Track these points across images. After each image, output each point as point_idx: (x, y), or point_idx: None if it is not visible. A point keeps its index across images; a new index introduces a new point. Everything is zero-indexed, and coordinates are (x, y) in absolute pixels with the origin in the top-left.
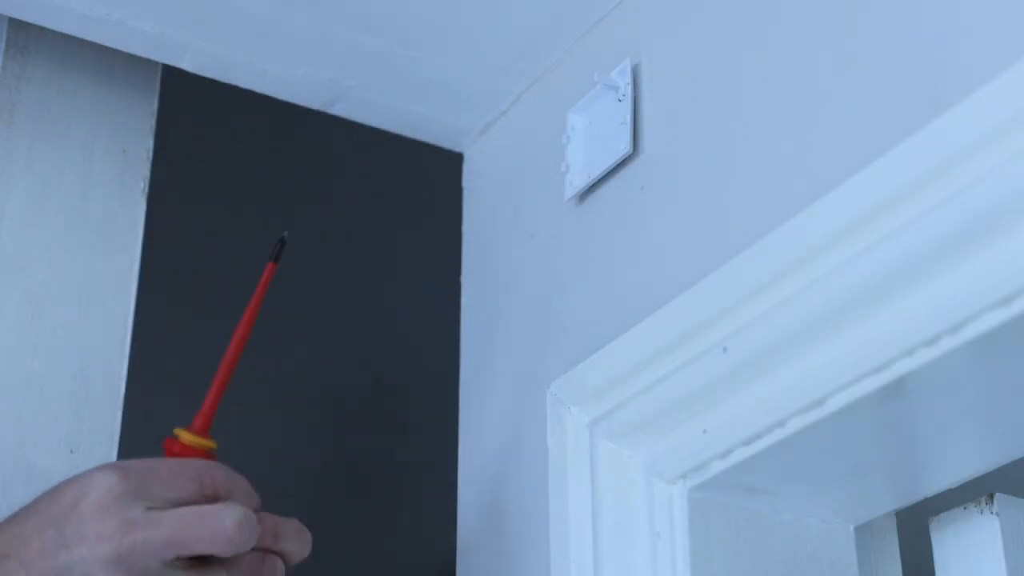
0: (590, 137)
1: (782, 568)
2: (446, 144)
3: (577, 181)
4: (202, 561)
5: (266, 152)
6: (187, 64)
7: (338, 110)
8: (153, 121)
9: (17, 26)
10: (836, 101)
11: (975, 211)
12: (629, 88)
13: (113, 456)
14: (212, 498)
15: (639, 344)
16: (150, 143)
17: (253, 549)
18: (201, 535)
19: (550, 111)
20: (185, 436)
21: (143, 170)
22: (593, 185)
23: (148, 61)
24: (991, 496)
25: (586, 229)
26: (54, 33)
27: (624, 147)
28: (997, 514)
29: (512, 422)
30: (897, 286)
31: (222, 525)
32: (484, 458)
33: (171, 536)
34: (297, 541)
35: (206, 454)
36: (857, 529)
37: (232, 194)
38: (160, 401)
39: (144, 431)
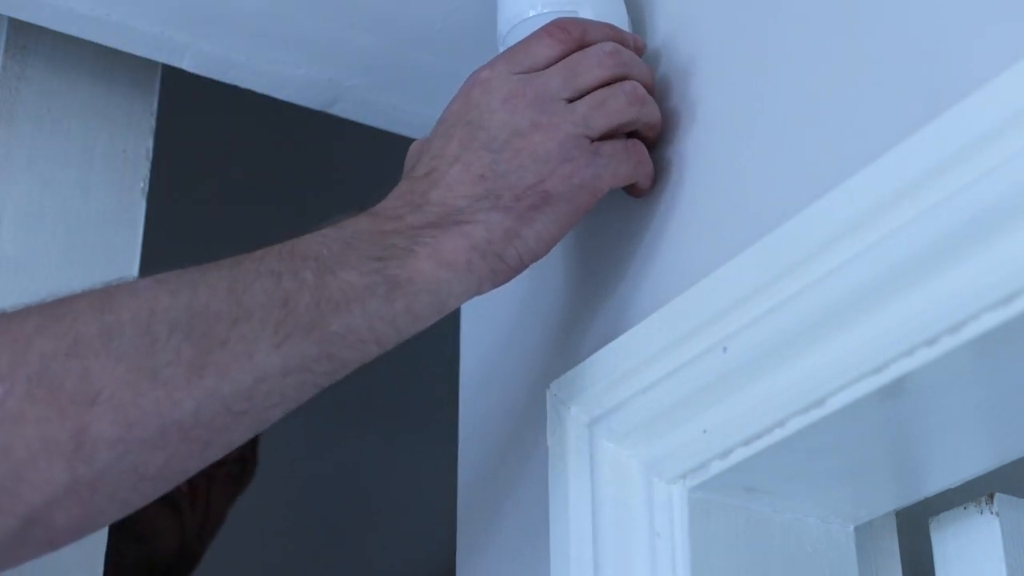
0: None
1: (782, 568)
2: None
3: None
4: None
5: (266, 152)
6: (187, 64)
7: (338, 110)
8: (153, 121)
9: (17, 26)
10: (836, 101)
11: (975, 211)
12: None
13: None
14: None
15: (639, 344)
16: (150, 143)
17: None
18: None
19: None
20: None
21: (143, 170)
22: None
23: (148, 61)
24: (991, 496)
25: (585, 228)
26: (54, 33)
27: None
28: (997, 514)
29: (512, 422)
30: (897, 286)
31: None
32: (484, 458)
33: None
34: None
35: None
36: (857, 529)
37: (232, 194)
38: None
39: None
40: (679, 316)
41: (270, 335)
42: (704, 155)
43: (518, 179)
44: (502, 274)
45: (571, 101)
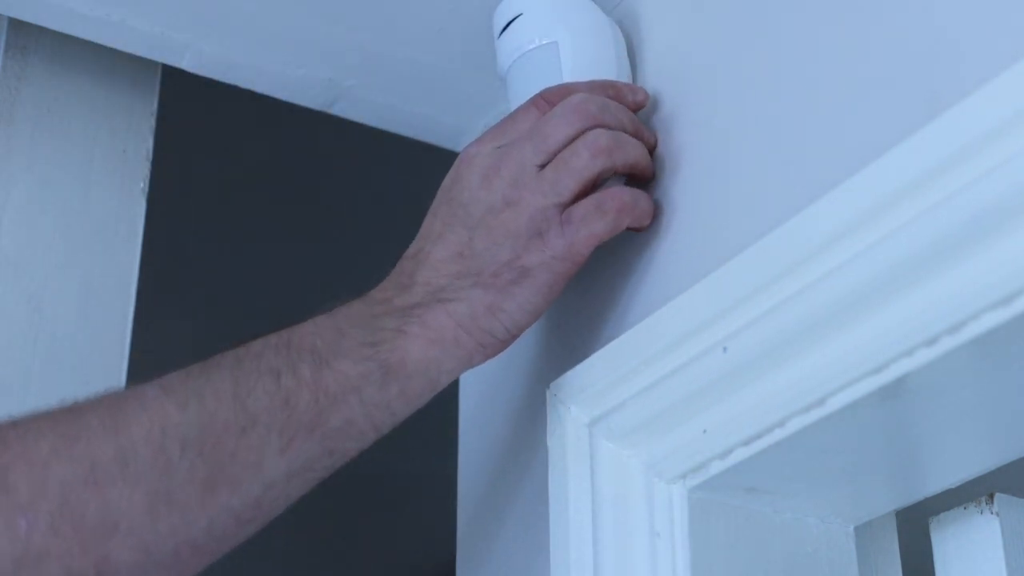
0: None
1: (782, 568)
2: (446, 144)
3: None
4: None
5: (266, 152)
6: (187, 64)
7: (338, 110)
8: (153, 121)
9: (17, 26)
10: (835, 101)
11: (975, 211)
12: None
13: None
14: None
15: (639, 344)
16: (150, 143)
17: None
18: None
19: None
20: None
21: (143, 170)
22: None
23: (148, 61)
24: (991, 496)
25: None
26: (54, 33)
27: None
28: (997, 514)
29: (512, 422)
30: (897, 286)
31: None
32: (484, 458)
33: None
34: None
35: None
36: (857, 529)
37: (232, 194)
38: None
39: None
40: (679, 316)
41: (275, 440)
42: (704, 155)
43: (493, 257)
44: (492, 347)
45: (545, 165)
